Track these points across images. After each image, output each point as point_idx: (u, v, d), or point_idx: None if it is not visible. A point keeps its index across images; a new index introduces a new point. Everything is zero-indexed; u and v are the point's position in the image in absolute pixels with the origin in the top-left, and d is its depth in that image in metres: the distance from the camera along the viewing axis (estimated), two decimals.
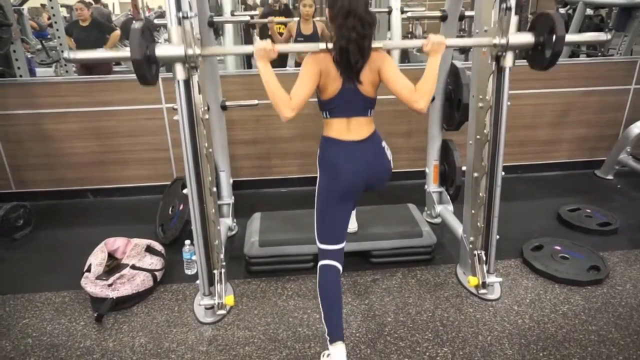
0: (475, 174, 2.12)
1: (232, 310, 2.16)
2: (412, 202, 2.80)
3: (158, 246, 2.47)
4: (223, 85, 2.68)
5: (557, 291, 2.23)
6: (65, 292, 2.31)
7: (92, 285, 2.17)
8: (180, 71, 1.76)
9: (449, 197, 2.84)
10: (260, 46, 1.68)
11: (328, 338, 1.71)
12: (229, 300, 2.06)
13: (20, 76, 3.61)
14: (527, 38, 1.85)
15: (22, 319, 2.14)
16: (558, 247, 2.50)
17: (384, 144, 1.90)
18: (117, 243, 2.39)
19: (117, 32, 4.98)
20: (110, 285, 2.17)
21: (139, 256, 2.35)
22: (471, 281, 2.15)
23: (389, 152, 1.91)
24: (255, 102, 2.65)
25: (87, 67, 4.55)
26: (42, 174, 3.32)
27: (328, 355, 1.75)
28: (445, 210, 2.75)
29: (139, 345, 1.96)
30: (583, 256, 2.43)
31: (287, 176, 3.50)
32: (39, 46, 6.97)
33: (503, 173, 2.08)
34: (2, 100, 3.11)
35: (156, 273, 2.33)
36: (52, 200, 3.36)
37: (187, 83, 1.80)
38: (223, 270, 2.10)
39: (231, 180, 2.84)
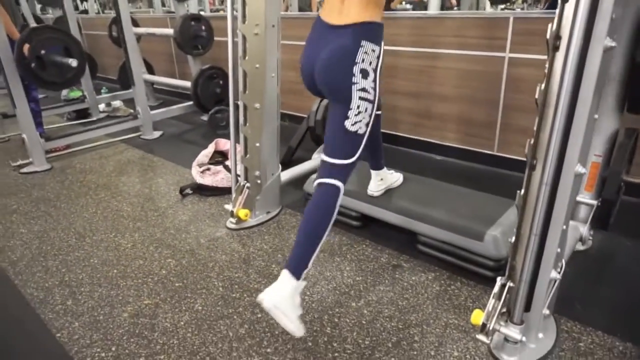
0: (534, 161, 1.30)
1: (259, 228, 2.22)
2: None
3: None
4: (392, 29, 2.53)
5: None
6: None
7: (194, 168, 2.68)
8: None
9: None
10: None
11: None
12: (241, 213, 2.13)
13: None
14: None
15: (164, 175, 2.91)
16: None
17: (364, 41, 1.34)
18: (227, 145, 2.80)
19: None
20: (201, 172, 2.62)
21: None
22: (474, 316, 1.40)
23: (370, 57, 1.35)
24: None
25: None
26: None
27: None
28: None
29: (178, 221, 2.33)
30: None
31: (444, 142, 2.99)
32: None
33: (581, 169, 1.20)
34: None
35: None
36: None
37: None
38: (248, 184, 2.17)
39: None
